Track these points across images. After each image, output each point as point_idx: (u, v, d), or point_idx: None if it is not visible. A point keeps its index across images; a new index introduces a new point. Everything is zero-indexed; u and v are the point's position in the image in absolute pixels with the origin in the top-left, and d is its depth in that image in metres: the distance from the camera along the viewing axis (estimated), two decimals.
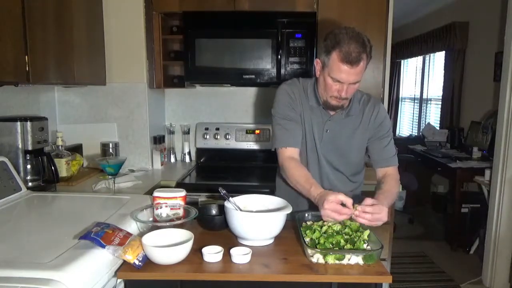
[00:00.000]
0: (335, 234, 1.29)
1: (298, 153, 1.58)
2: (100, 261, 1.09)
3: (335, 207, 1.29)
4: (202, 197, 2.22)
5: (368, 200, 1.31)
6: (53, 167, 1.91)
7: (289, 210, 1.34)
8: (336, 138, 1.60)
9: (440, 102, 4.98)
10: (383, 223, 1.32)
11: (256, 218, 1.29)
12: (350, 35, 1.38)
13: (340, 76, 1.41)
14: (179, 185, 2.26)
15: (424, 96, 5.68)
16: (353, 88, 1.47)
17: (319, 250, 1.19)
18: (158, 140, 2.65)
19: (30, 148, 1.85)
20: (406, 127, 6.42)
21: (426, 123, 5.17)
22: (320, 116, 1.59)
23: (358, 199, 1.43)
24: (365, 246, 1.24)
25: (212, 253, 1.18)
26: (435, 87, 5.35)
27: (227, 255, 1.20)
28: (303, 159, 1.62)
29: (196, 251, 1.21)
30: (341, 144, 1.60)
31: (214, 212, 1.53)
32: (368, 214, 1.28)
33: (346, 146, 1.61)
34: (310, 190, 1.42)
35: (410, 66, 6.42)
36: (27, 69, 1.67)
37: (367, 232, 1.28)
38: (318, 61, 1.50)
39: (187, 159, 2.89)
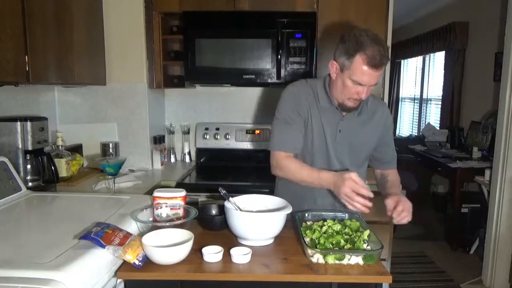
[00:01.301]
0: (335, 234, 1.30)
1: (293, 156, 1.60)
2: (100, 261, 1.09)
3: (353, 185, 1.34)
4: (202, 197, 2.22)
5: (398, 208, 1.42)
6: (53, 167, 1.91)
7: (289, 210, 1.34)
8: (350, 137, 1.58)
9: (440, 102, 4.98)
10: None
11: (256, 218, 1.29)
12: (371, 38, 1.38)
13: (363, 79, 1.40)
14: (179, 185, 2.26)
15: (424, 96, 5.68)
16: (371, 89, 1.47)
17: (319, 250, 1.19)
18: (158, 140, 2.65)
19: (30, 148, 1.85)
20: (406, 127, 6.42)
21: (426, 123, 5.17)
22: (332, 116, 1.57)
23: None
24: (365, 246, 1.24)
25: (212, 253, 1.18)
26: (435, 87, 5.35)
27: (227, 255, 1.20)
28: (308, 161, 1.60)
29: (196, 251, 1.21)
30: (355, 143, 1.60)
31: (214, 212, 1.53)
32: (406, 215, 1.42)
33: (360, 145, 1.61)
34: (320, 175, 1.45)
35: (410, 66, 6.42)
36: (27, 69, 1.67)
37: (367, 232, 1.28)
38: (334, 63, 1.46)
39: (187, 159, 2.89)
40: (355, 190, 1.33)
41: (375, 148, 1.65)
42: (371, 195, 1.34)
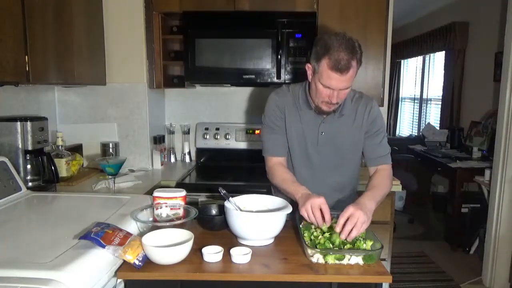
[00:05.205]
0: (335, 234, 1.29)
1: (285, 161, 1.64)
2: (100, 261, 1.09)
3: (316, 211, 1.33)
4: (202, 197, 2.22)
5: (341, 219, 1.28)
6: (53, 167, 1.91)
7: (289, 210, 1.34)
8: (332, 139, 1.60)
9: (440, 102, 4.98)
10: (369, 223, 1.30)
11: (256, 218, 1.29)
12: (340, 42, 1.38)
13: (330, 83, 1.42)
14: (179, 185, 2.26)
15: (424, 96, 5.68)
16: (344, 93, 1.47)
17: (319, 250, 1.19)
18: (158, 140, 2.65)
19: (30, 148, 1.84)
20: (406, 127, 6.42)
21: (426, 123, 5.17)
22: (313, 119, 1.60)
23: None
24: (364, 246, 1.24)
25: (212, 253, 1.18)
26: (435, 87, 5.35)
27: (227, 255, 1.20)
28: (290, 165, 1.65)
29: (196, 251, 1.21)
30: (338, 144, 1.61)
31: (214, 212, 1.53)
32: (352, 230, 1.26)
33: (345, 146, 1.62)
34: (298, 188, 1.46)
35: (410, 66, 6.42)
36: (27, 69, 1.67)
37: (370, 242, 1.26)
38: (309, 66, 1.49)
39: (187, 159, 2.89)
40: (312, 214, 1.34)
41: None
42: (327, 224, 1.33)
